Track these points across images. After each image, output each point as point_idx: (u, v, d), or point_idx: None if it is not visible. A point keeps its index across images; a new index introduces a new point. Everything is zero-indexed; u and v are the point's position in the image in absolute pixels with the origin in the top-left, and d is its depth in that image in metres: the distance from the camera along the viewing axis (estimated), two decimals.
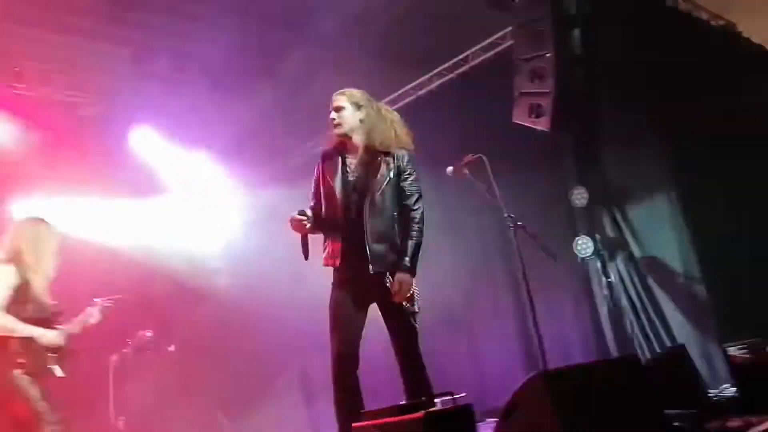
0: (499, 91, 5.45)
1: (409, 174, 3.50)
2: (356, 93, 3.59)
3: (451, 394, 3.03)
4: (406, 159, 3.52)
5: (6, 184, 6.09)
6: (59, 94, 6.16)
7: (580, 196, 5.58)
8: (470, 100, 6.02)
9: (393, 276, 3.34)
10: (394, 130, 3.59)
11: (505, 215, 4.22)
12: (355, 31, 5.65)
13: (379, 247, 3.39)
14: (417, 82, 6.58)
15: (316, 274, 3.67)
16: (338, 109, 3.55)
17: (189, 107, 6.29)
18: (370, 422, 2.75)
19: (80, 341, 6.08)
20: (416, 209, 3.47)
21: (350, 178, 3.52)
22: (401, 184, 3.48)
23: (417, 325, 3.41)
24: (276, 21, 5.66)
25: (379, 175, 3.47)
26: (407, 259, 3.37)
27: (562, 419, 2.42)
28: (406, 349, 3.40)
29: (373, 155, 3.51)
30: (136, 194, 6.90)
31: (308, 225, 3.41)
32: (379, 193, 3.44)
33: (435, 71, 6.46)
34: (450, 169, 4.50)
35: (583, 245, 5.54)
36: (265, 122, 6.78)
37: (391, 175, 3.47)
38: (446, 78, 6.43)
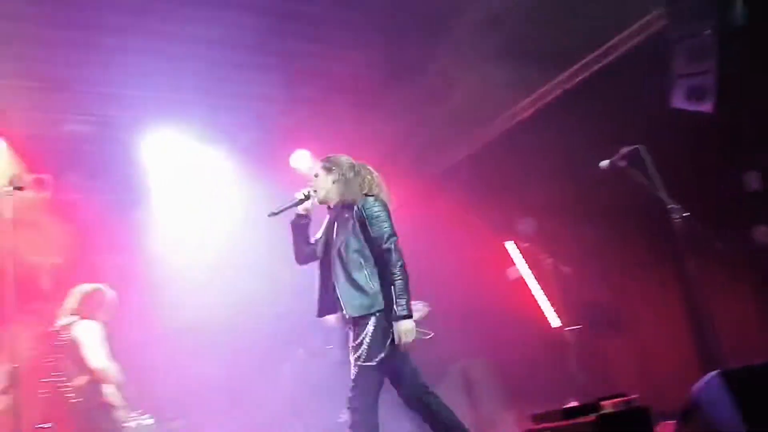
0: (651, 77, 5.16)
1: (374, 218, 3.62)
2: (331, 158, 3.90)
3: (624, 395, 2.92)
4: (369, 204, 3.67)
5: None
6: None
7: (755, 180, 5.13)
8: (620, 90, 5.76)
9: (365, 321, 3.51)
10: (366, 185, 3.77)
11: (669, 206, 4.00)
12: (491, 32, 5.62)
13: (348, 296, 3.58)
14: (562, 76, 6.39)
15: None
16: (315, 176, 3.91)
17: (334, 128, 6.56)
18: (543, 425, 2.73)
19: None
20: (387, 250, 3.56)
21: (326, 237, 3.83)
22: (369, 228, 3.62)
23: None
24: (413, 33, 5.77)
25: (344, 227, 3.69)
26: (396, 308, 3.47)
27: (745, 420, 2.28)
28: (415, 394, 3.64)
29: (342, 211, 3.76)
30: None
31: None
32: (343, 245, 3.64)
33: (580, 63, 6.25)
34: (605, 163, 4.31)
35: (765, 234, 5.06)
36: (409, 137, 6.90)
37: (353, 224, 3.65)
38: (593, 69, 6.19)
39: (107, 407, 4.70)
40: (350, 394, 3.43)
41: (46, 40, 5.18)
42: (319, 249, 3.82)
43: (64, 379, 4.68)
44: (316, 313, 3.77)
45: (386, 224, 3.62)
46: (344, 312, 3.58)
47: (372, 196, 3.72)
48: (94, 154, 6.42)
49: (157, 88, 5.80)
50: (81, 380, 4.68)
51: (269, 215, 3.78)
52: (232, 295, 6.55)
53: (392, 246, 3.55)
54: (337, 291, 3.61)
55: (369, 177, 3.80)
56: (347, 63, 5.92)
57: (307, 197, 3.85)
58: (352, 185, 3.75)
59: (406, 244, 3.65)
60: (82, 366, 4.69)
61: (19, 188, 3.53)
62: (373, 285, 3.54)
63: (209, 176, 7.05)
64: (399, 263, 3.52)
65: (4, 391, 5.86)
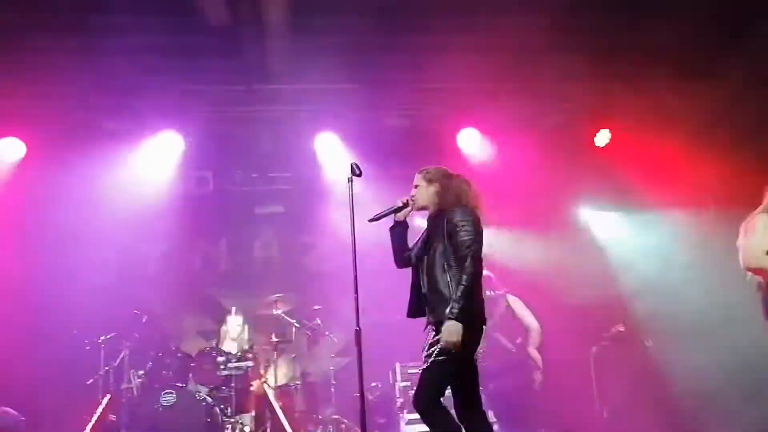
0: None
1: (460, 226, 3.75)
2: (430, 170, 4.07)
3: None
4: (457, 213, 3.82)
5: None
6: None
7: None
8: None
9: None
10: (458, 195, 3.92)
11: None
12: None
13: (431, 300, 3.79)
14: None
15: None
16: (415, 187, 4.08)
17: (650, 101, 6.20)
18: None
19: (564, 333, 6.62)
20: (463, 257, 3.68)
21: (421, 243, 4.01)
22: (454, 236, 3.76)
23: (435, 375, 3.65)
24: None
25: (436, 235, 3.87)
26: (450, 308, 3.59)
27: None
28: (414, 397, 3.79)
29: (436, 219, 3.94)
30: None
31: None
32: (432, 251, 3.84)
33: None
34: None
35: None
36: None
37: (443, 232, 3.81)
38: None
39: None
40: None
41: (371, 46, 5.81)
42: (414, 254, 4.03)
43: None
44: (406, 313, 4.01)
45: (469, 233, 3.75)
46: (428, 317, 3.83)
47: (463, 206, 3.88)
48: (411, 146, 7.00)
49: (469, 80, 6.11)
50: None
51: (369, 221, 3.99)
52: None
53: (469, 254, 3.69)
54: (424, 297, 3.87)
55: (464, 187, 3.99)
56: (666, 32, 5.51)
57: (405, 205, 4.05)
58: (448, 195, 3.95)
59: None
60: None
61: (357, 175, 4.04)
62: (453, 291, 3.67)
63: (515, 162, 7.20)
64: (470, 271, 3.66)
65: None
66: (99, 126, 6.93)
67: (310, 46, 5.66)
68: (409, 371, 6.40)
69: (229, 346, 6.71)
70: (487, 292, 6.07)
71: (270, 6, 5.20)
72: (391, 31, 5.55)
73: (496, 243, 5.21)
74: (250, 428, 6.13)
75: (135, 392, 6.12)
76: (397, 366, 6.54)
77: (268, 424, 6.09)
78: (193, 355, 6.39)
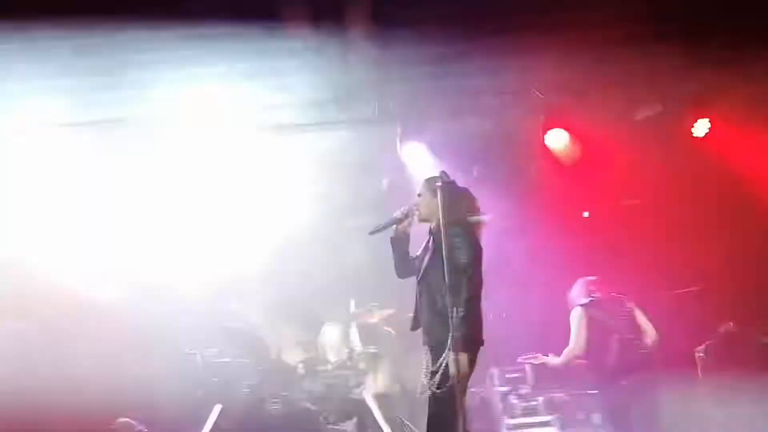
0: None
1: (457, 247, 3.60)
2: (437, 180, 3.75)
3: None
4: (457, 231, 3.65)
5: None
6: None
7: None
8: None
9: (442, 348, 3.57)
10: (462, 211, 3.77)
11: None
12: None
13: (428, 320, 3.74)
14: None
15: None
16: (418, 195, 3.96)
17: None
18: None
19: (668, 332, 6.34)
20: (463, 281, 3.55)
21: (423, 256, 3.88)
22: (454, 255, 3.56)
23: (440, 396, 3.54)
24: None
25: (436, 251, 3.70)
26: (450, 340, 3.45)
27: None
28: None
29: (438, 233, 3.68)
30: None
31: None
32: (431, 268, 3.72)
33: None
34: None
35: None
36: None
37: (441, 249, 3.56)
38: None
39: None
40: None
41: (452, 53, 5.82)
42: (416, 267, 3.91)
43: None
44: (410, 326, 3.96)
45: (468, 254, 3.62)
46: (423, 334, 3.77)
47: (466, 222, 3.75)
48: (498, 149, 6.94)
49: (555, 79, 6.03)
50: None
51: (370, 233, 3.91)
52: None
53: (466, 277, 3.56)
54: (419, 316, 3.83)
55: (469, 203, 3.87)
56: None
57: (406, 216, 3.90)
58: (452, 209, 3.69)
59: None
60: None
61: (446, 183, 4.05)
62: (452, 312, 3.48)
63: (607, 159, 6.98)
64: (466, 296, 3.51)
65: None
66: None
67: (393, 58, 5.75)
68: (507, 375, 6.31)
69: (329, 354, 6.87)
70: (596, 295, 5.71)
71: (352, 22, 5.33)
72: (471, 36, 5.54)
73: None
74: None
75: (242, 402, 6.36)
76: (495, 371, 6.47)
77: (371, 431, 6.18)
78: (295, 364, 6.60)
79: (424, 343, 3.79)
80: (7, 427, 5.72)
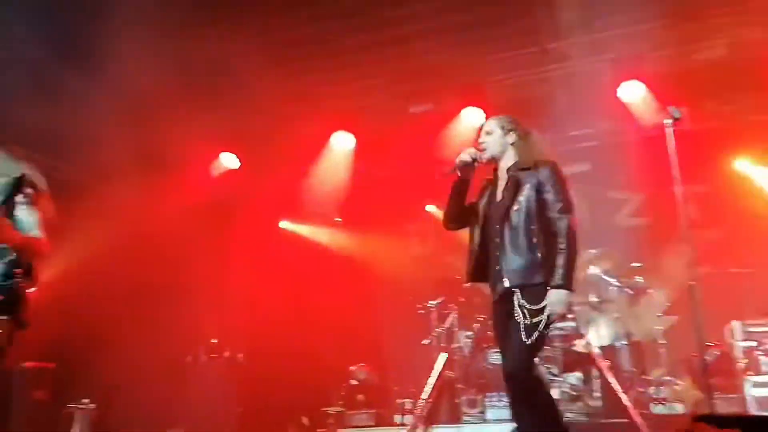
0: None
1: (550, 187, 3.49)
2: (509, 118, 3.75)
3: None
4: (549, 171, 3.53)
5: None
6: None
7: None
8: None
9: (524, 291, 3.40)
10: (542, 152, 3.65)
11: None
12: None
13: (514, 263, 3.47)
14: None
15: None
16: (488, 133, 3.72)
17: None
18: None
19: None
20: (560, 221, 3.45)
21: (493, 200, 3.66)
22: (543, 197, 3.49)
23: (530, 342, 3.32)
24: None
25: (517, 193, 3.53)
26: (556, 275, 3.35)
27: None
28: (511, 373, 3.39)
29: (514, 175, 3.60)
30: None
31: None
32: (515, 210, 3.51)
33: None
34: None
35: None
36: None
37: (527, 191, 3.50)
38: None
39: None
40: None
41: None
42: (481, 212, 3.68)
43: None
44: (466, 279, 3.73)
45: (563, 195, 3.50)
46: (504, 280, 3.48)
47: (551, 163, 3.58)
48: (727, 81, 6.23)
49: None
50: None
51: (442, 175, 3.69)
52: None
53: (567, 217, 3.44)
54: (501, 258, 3.51)
55: (544, 146, 3.75)
56: None
57: (474, 160, 3.70)
58: (531, 149, 3.66)
59: None
60: None
61: (677, 119, 3.75)
62: (542, 253, 3.42)
63: None
64: (567, 238, 3.39)
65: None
66: (405, 111, 7.59)
67: None
68: (750, 329, 5.75)
69: None
70: None
71: None
72: None
73: None
74: (578, 387, 6.16)
75: (465, 351, 6.59)
76: (736, 324, 5.94)
77: (596, 384, 6.05)
78: None
79: (501, 289, 3.55)
80: None
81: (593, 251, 6.73)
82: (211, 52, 6.06)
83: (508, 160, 3.70)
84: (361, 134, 7.90)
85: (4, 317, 3.28)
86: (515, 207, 3.52)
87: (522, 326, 3.35)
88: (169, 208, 7.02)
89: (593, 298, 6.57)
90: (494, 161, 3.74)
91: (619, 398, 5.65)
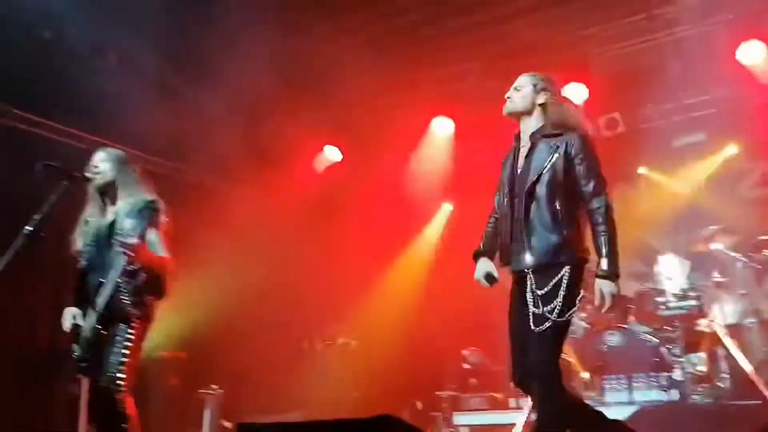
0: None
1: (582, 158, 3.11)
2: (538, 75, 3.35)
3: None
4: (579, 143, 3.14)
5: None
6: None
7: None
8: None
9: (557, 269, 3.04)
10: (578, 120, 3.29)
11: None
12: None
13: (535, 242, 3.08)
14: None
15: None
16: (517, 89, 3.34)
17: None
18: None
19: None
20: (595, 198, 3.08)
21: (518, 166, 3.28)
22: (572, 170, 3.11)
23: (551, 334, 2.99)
24: None
25: (542, 162, 3.14)
26: (603, 261, 3.03)
27: None
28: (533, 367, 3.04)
29: (540, 140, 3.22)
30: None
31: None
32: (539, 183, 3.11)
33: None
34: None
35: None
36: None
37: (555, 160, 3.12)
38: None
39: None
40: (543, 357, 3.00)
41: None
42: (503, 186, 3.30)
43: None
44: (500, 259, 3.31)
45: (597, 170, 3.13)
46: (522, 259, 3.11)
47: (585, 134, 3.20)
48: None
49: None
50: None
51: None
52: None
53: (603, 193, 3.08)
54: (521, 236, 3.12)
55: (580, 115, 3.42)
56: None
57: None
58: (565, 115, 3.26)
59: None
60: None
61: None
62: (567, 233, 3.06)
63: None
64: (605, 216, 3.04)
65: None
66: (504, 92, 7.48)
67: None
68: None
69: (667, 285, 6.52)
70: None
71: None
72: None
73: None
74: (703, 368, 5.88)
75: (580, 333, 6.45)
76: None
77: (723, 364, 5.75)
78: (632, 296, 6.44)
79: (518, 267, 3.20)
80: None
81: (714, 227, 6.39)
82: (313, 47, 6.24)
83: (533, 123, 3.29)
84: (461, 119, 7.87)
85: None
86: (537, 178, 3.13)
87: (531, 315, 3.04)
88: (283, 202, 7.33)
89: (716, 276, 6.23)
90: (515, 117, 3.35)
91: (750, 379, 5.35)
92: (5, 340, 5.26)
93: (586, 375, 6.03)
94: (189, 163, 7.22)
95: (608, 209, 3.07)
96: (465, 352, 7.21)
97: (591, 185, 3.09)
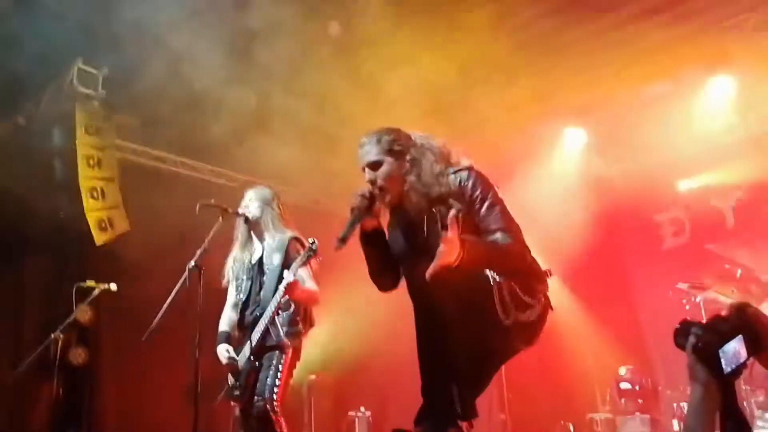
0: None
1: (479, 202, 2.56)
2: (390, 136, 2.72)
3: None
4: (467, 179, 2.62)
5: None
6: None
7: None
8: None
9: None
10: (444, 157, 2.69)
11: None
12: None
13: None
14: None
15: None
16: (371, 168, 2.70)
17: None
18: None
19: None
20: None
21: (407, 246, 2.76)
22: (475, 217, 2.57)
23: None
24: None
25: (430, 230, 2.58)
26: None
27: None
28: None
29: (427, 205, 2.65)
30: None
31: None
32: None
33: None
34: None
35: None
36: None
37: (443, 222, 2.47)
38: None
39: None
40: None
41: None
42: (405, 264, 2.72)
43: None
44: None
45: (497, 210, 2.56)
46: None
47: (463, 169, 2.64)
48: None
49: None
50: None
51: (337, 247, 2.57)
52: None
53: (508, 240, 2.53)
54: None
55: (440, 144, 2.74)
56: None
57: (370, 202, 2.64)
58: (431, 162, 2.67)
59: None
60: None
61: None
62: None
63: None
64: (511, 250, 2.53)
65: None
66: (639, 96, 7.15)
67: None
68: None
69: None
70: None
71: None
72: None
73: None
74: None
75: None
76: None
77: None
78: None
79: None
80: None
81: None
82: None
83: (413, 195, 2.73)
84: (593, 127, 7.58)
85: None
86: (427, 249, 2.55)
87: None
88: None
89: None
90: (399, 202, 2.78)
91: None
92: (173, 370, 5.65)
93: None
94: (326, 193, 7.52)
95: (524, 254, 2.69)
96: (621, 370, 6.78)
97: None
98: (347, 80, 5.81)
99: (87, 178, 5.84)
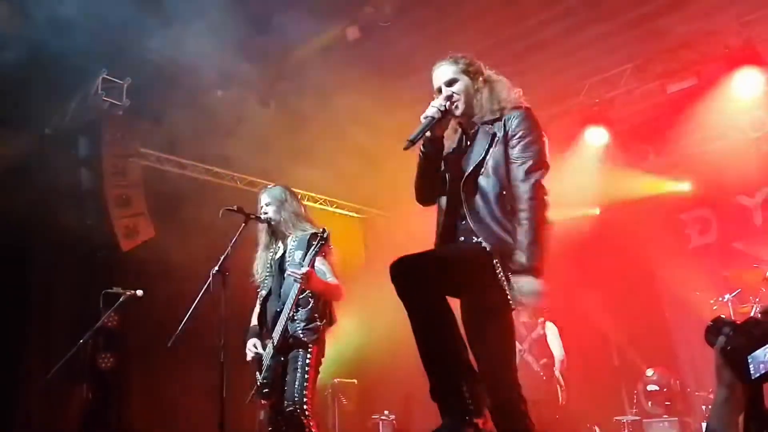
0: None
1: (519, 138, 2.72)
2: (467, 59, 2.93)
3: None
4: (518, 117, 2.76)
5: None
6: None
7: None
8: None
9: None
10: (510, 93, 2.85)
11: None
12: None
13: (485, 229, 2.65)
14: None
15: None
16: (447, 85, 2.89)
17: None
18: None
19: None
20: (525, 182, 2.66)
21: (458, 161, 2.87)
22: (510, 151, 2.72)
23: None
24: None
25: (482, 147, 2.78)
26: (521, 255, 2.55)
27: None
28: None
29: (480, 126, 2.84)
30: None
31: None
32: (476, 170, 2.75)
33: None
34: None
35: None
36: None
37: (493, 145, 2.75)
38: None
39: None
40: None
41: None
42: (449, 175, 2.88)
43: None
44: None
45: (534, 148, 2.69)
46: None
47: (523, 108, 2.79)
48: None
49: None
50: None
51: (405, 148, 2.74)
52: None
53: (533, 178, 2.63)
54: (471, 224, 2.69)
55: (509, 84, 2.88)
56: None
57: (446, 113, 2.81)
58: (499, 91, 2.85)
59: None
60: None
61: None
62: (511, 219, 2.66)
63: None
64: (535, 199, 2.59)
65: None
66: (663, 93, 7.09)
67: None
68: None
69: None
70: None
71: None
72: None
73: None
74: None
75: None
76: None
77: None
78: None
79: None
80: None
81: None
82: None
83: (476, 111, 2.90)
84: (615, 125, 7.51)
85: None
86: (482, 170, 2.76)
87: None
88: None
89: None
90: (466, 115, 2.92)
91: None
92: (200, 374, 5.71)
93: None
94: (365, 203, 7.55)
95: (534, 192, 2.65)
96: (648, 372, 6.68)
97: (524, 167, 2.70)
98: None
99: (112, 186, 5.95)
